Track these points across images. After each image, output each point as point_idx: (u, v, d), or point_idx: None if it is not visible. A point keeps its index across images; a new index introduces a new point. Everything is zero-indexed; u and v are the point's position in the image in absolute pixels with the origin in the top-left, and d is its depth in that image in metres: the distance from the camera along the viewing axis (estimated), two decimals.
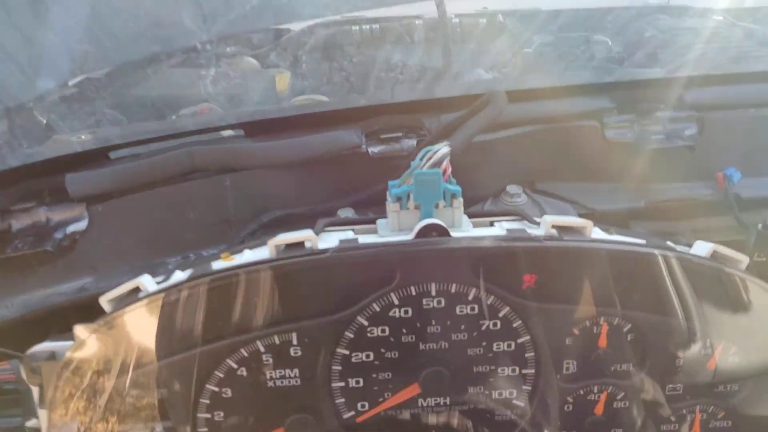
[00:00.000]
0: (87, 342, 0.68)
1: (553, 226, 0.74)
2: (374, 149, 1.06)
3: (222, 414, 0.75)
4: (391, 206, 0.75)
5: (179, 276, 0.71)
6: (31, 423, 0.79)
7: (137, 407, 0.71)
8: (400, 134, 1.08)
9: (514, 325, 0.75)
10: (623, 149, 1.10)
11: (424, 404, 0.78)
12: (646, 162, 1.09)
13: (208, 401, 0.74)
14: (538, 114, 1.09)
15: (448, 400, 0.78)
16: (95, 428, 0.70)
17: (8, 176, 1.11)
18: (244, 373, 0.74)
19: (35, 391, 0.72)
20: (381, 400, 0.77)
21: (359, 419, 0.77)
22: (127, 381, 0.70)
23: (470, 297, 0.73)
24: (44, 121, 1.35)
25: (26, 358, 0.70)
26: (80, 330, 0.67)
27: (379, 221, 0.79)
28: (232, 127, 1.23)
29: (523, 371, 0.77)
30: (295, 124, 1.11)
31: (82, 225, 1.10)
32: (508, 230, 0.74)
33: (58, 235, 1.08)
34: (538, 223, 0.77)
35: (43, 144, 1.24)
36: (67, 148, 1.18)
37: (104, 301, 0.69)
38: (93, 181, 1.11)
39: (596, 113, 1.10)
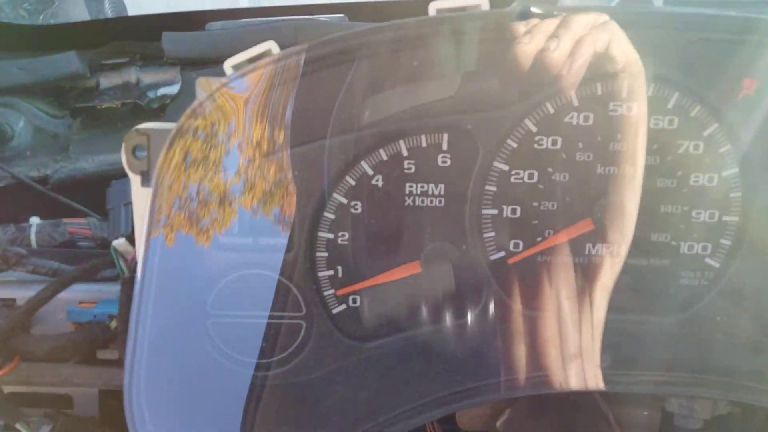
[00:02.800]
0: (205, 103, 0.55)
1: None
2: None
3: (346, 236, 0.61)
4: None
5: None
6: (117, 242, 0.67)
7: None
8: None
9: (721, 150, 0.59)
10: None
11: (592, 251, 0.62)
12: None
13: (332, 216, 0.60)
14: None
15: (622, 249, 0.62)
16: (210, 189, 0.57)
17: (100, 32, 1.03)
18: (379, 183, 0.60)
19: (135, 179, 0.59)
20: (539, 239, 0.61)
21: (510, 260, 0.62)
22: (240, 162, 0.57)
23: (670, 104, 0.58)
24: None
25: (132, 134, 0.58)
26: (203, 83, 0.54)
27: None
28: (334, 9, 1.12)
29: (724, 218, 0.61)
30: None
31: (174, 89, 1.00)
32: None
33: (149, 95, 0.98)
34: None
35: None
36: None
37: (228, 66, 0.57)
38: (190, 42, 1.01)
39: None
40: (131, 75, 1.01)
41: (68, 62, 0.96)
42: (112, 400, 0.83)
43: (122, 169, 0.95)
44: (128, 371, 0.57)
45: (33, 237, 0.86)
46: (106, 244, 0.89)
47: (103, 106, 0.94)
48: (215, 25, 1.06)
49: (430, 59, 0.56)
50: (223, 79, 0.56)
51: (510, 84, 0.57)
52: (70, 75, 0.97)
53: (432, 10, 0.56)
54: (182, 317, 0.60)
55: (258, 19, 1.08)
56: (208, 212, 0.58)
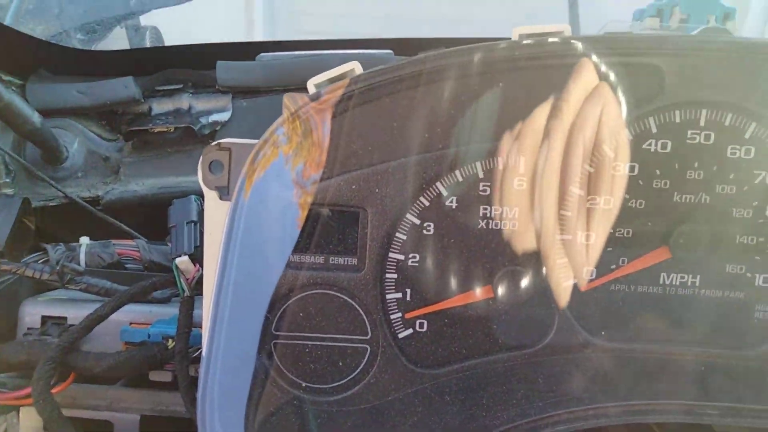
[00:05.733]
0: (290, 119, 0.56)
1: None
2: None
3: (417, 257, 0.60)
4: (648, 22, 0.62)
5: None
6: (180, 260, 0.67)
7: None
8: None
9: None
10: None
11: (667, 281, 0.61)
12: None
13: (404, 236, 0.60)
14: None
15: (698, 280, 0.61)
16: None
17: (154, 59, 1.05)
18: (454, 205, 0.59)
19: (211, 195, 0.59)
20: (613, 267, 0.61)
21: (584, 288, 0.61)
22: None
23: (747, 134, 0.58)
24: None
25: (211, 149, 0.58)
26: (289, 99, 0.55)
27: None
28: (383, 44, 1.15)
29: None
30: None
31: (225, 116, 1.02)
32: None
33: (201, 120, 0.99)
34: None
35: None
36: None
37: (311, 84, 0.57)
38: (242, 71, 1.03)
39: None
40: (183, 101, 1.02)
41: (125, 87, 0.98)
42: (154, 427, 0.81)
43: (172, 192, 0.96)
44: (201, 392, 0.55)
45: (82, 257, 0.85)
46: (153, 267, 0.89)
47: (156, 130, 0.95)
48: (266, 56, 1.08)
49: (514, 84, 0.57)
50: (307, 96, 0.56)
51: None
52: (125, 100, 0.99)
53: (515, 34, 0.57)
54: (251, 337, 0.59)
55: (307, 51, 1.10)
56: (285, 228, 0.58)
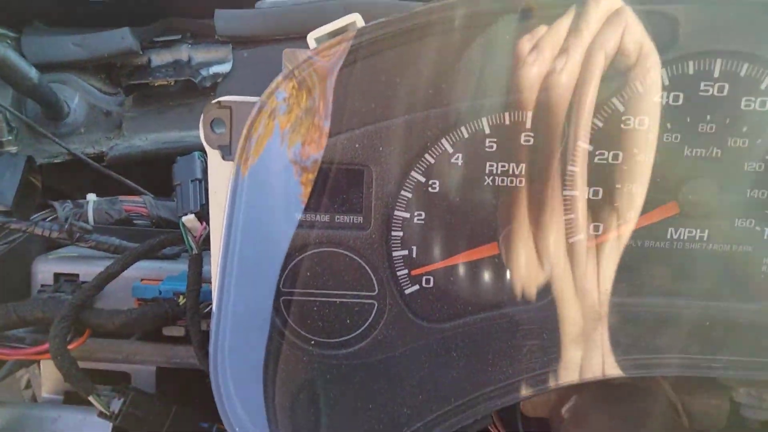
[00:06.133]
0: (290, 75, 0.54)
1: None
2: None
3: (422, 215, 0.60)
4: None
5: None
6: (187, 218, 0.67)
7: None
8: None
9: None
10: None
11: (675, 235, 0.60)
12: None
13: (409, 194, 0.59)
14: None
15: (706, 234, 0.60)
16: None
17: (150, 8, 1.02)
18: (459, 162, 0.59)
19: (213, 154, 0.59)
20: (620, 222, 0.60)
21: (590, 243, 0.60)
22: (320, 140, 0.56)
23: (763, 85, 0.56)
24: None
25: (211, 107, 0.57)
26: (288, 55, 0.53)
27: None
28: None
29: None
30: None
31: (225, 67, 0.99)
32: None
33: (202, 73, 0.97)
34: None
35: None
36: None
37: (311, 39, 0.56)
38: (241, 20, 1.00)
39: None
40: (182, 53, 1.00)
41: (122, 39, 0.96)
42: (169, 378, 0.84)
43: (175, 147, 0.95)
44: (213, 346, 0.57)
45: (90, 214, 0.86)
46: (161, 223, 0.89)
47: (156, 84, 0.94)
48: (265, 3, 1.04)
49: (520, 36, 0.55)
50: (308, 51, 0.55)
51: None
52: (123, 51, 0.96)
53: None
54: (258, 294, 0.60)
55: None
56: (288, 187, 0.58)
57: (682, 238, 0.60)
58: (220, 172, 0.60)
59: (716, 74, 0.56)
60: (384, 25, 0.54)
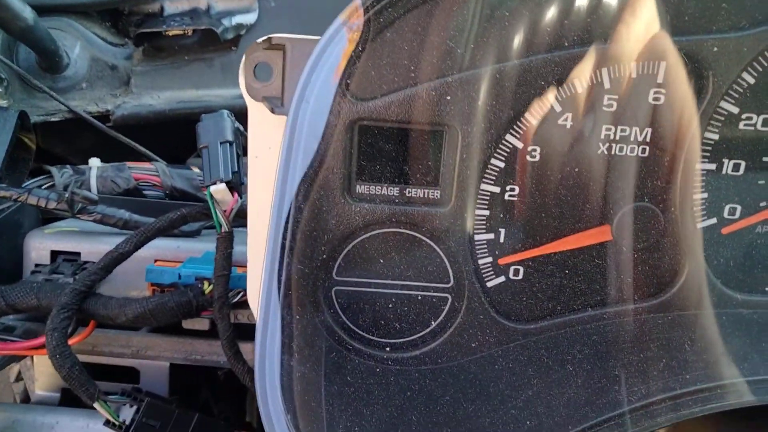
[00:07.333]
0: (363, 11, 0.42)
1: None
2: None
3: (516, 190, 0.48)
4: None
5: None
6: (216, 188, 0.54)
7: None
8: None
9: None
10: None
11: None
12: None
13: (502, 163, 0.47)
14: None
15: None
16: None
17: None
18: (568, 124, 0.46)
19: (256, 107, 0.46)
20: (763, 204, 0.48)
21: (725, 230, 0.49)
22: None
23: None
24: None
25: (256, 47, 0.44)
26: None
27: None
28: None
29: None
30: None
31: (251, 17, 0.86)
32: None
33: (224, 22, 0.84)
34: None
35: None
36: None
37: None
38: None
39: None
40: (200, 0, 0.86)
41: None
42: (185, 376, 0.72)
43: (193, 108, 0.82)
44: (259, 345, 0.45)
45: (93, 182, 0.73)
46: (176, 194, 0.77)
47: (171, 34, 0.80)
48: None
49: None
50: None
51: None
52: None
53: None
54: (310, 288, 0.48)
55: None
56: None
57: None
58: (265, 129, 0.47)
59: None
60: None
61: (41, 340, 0.54)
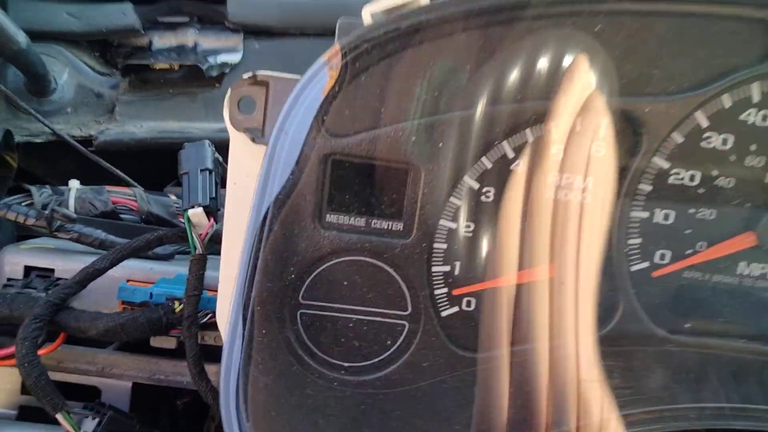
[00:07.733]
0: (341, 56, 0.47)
1: None
2: None
3: (471, 227, 0.53)
4: None
5: None
6: (193, 211, 0.58)
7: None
8: None
9: None
10: None
11: (746, 271, 0.54)
12: None
13: (459, 202, 0.52)
14: None
15: None
16: None
17: None
18: (519, 169, 0.52)
19: (238, 137, 0.50)
20: (689, 252, 0.54)
21: (655, 273, 0.54)
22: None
23: None
24: None
25: (242, 83, 0.49)
26: (344, 26, 0.46)
27: None
28: None
29: None
30: None
31: (235, 57, 0.91)
32: None
33: (209, 60, 0.89)
34: None
35: None
36: None
37: (366, 13, 0.48)
38: (257, 8, 0.92)
39: None
40: (188, 37, 0.92)
41: (123, 15, 0.87)
42: (146, 399, 0.73)
43: (175, 138, 0.86)
44: (226, 355, 0.47)
45: (71, 202, 0.75)
46: (152, 219, 0.79)
47: (158, 67, 0.85)
48: None
49: (605, 33, 0.48)
50: (366, 27, 0.47)
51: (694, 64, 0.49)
52: (123, 29, 0.87)
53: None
54: (277, 305, 0.51)
55: None
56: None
57: (753, 274, 0.55)
58: (244, 158, 0.51)
59: None
60: (456, 3, 0.47)
61: (10, 350, 0.56)
